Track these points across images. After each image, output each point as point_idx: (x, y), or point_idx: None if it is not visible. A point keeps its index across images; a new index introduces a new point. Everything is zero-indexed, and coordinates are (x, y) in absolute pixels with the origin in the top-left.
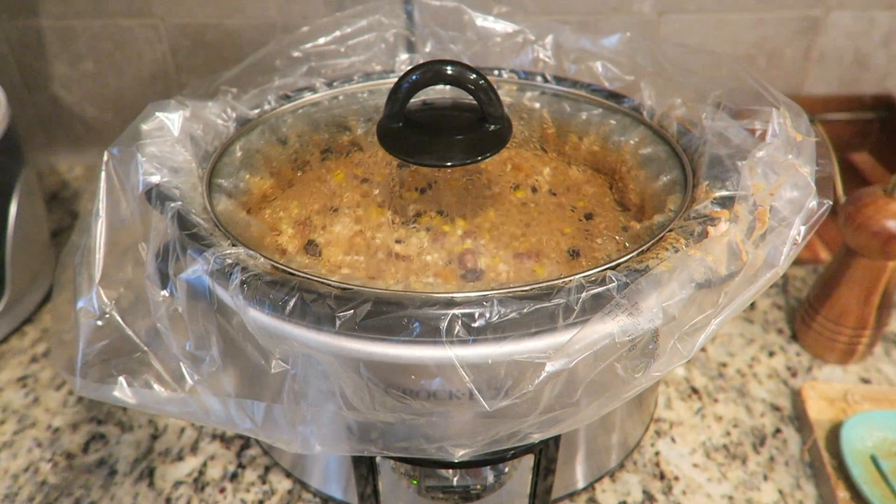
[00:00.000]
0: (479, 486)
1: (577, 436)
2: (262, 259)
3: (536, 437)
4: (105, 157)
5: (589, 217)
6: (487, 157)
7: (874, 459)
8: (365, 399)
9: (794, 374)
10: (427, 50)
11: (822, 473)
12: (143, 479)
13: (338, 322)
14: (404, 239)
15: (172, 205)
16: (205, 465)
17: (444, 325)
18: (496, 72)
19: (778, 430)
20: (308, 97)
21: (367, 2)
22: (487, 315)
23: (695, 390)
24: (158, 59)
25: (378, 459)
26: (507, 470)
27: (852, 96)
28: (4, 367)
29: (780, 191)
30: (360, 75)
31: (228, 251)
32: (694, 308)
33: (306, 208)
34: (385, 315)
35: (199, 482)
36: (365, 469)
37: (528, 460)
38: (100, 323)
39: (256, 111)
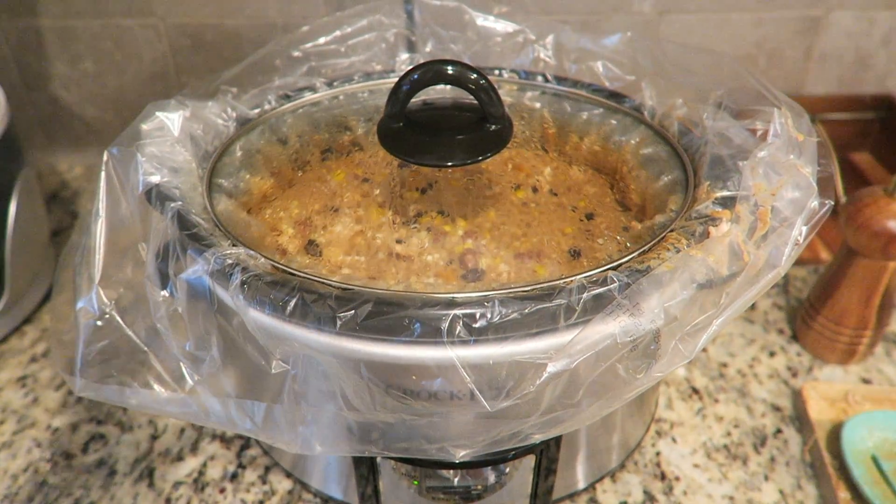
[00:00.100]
0: (479, 487)
1: (578, 436)
2: (263, 259)
3: (537, 438)
4: (105, 157)
5: (590, 217)
6: (488, 157)
7: (875, 460)
8: (366, 399)
9: (794, 375)
10: (427, 50)
11: (823, 474)
12: (143, 479)
13: (338, 322)
14: (405, 239)
15: (172, 205)
16: (205, 465)
17: (445, 325)
18: (497, 71)
19: (779, 431)
20: (308, 97)
21: (367, 1)
22: (489, 315)
23: (695, 390)
24: (158, 58)
25: (379, 460)
26: (508, 470)
27: (852, 96)
28: (4, 367)
29: (781, 191)
30: (360, 75)
31: (229, 251)
32: (695, 308)
33: (307, 208)
34: (386, 315)
35: (199, 482)
36: (366, 469)
37: (530, 461)
38: (100, 323)
39: (256, 111)
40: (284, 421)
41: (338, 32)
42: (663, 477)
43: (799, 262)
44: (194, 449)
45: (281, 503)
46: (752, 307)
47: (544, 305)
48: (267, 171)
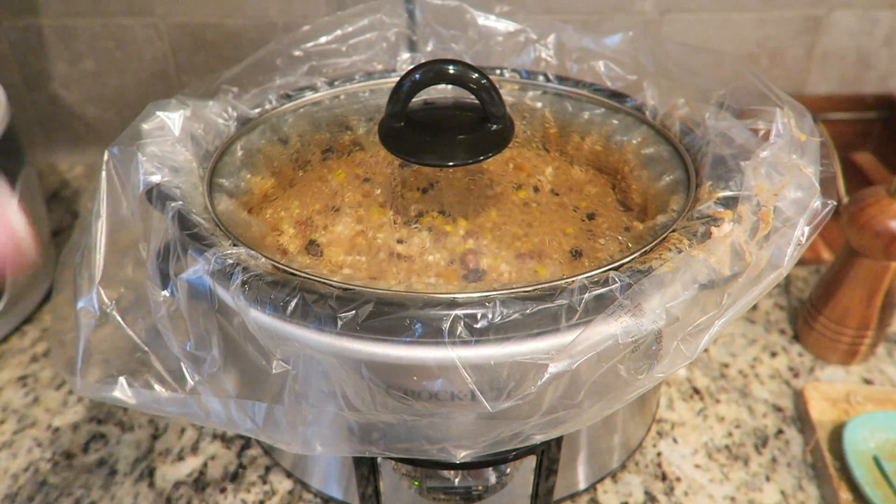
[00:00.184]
0: (480, 487)
1: (579, 437)
2: (264, 259)
3: (539, 439)
4: (105, 157)
5: (591, 217)
6: (489, 157)
7: (877, 461)
8: (366, 400)
9: (796, 375)
10: (429, 49)
11: (825, 475)
12: (144, 479)
13: (339, 323)
14: (406, 239)
15: (173, 204)
16: (205, 465)
17: (446, 325)
18: (498, 71)
19: (780, 431)
20: (309, 96)
21: (368, 1)
22: (490, 316)
23: (697, 391)
24: (159, 58)
25: (379, 460)
26: (508, 471)
27: (854, 96)
28: (4, 367)
29: (783, 191)
30: (361, 74)
31: (229, 251)
32: (697, 309)
33: (307, 208)
34: (387, 316)
35: (199, 482)
36: (366, 470)
37: (531, 461)
38: (100, 323)
39: (257, 110)
40: (285, 421)
41: (339, 32)
42: (664, 477)
43: (800, 263)
44: (195, 449)
45: (281, 503)
46: (754, 307)
47: (546, 306)
48: (268, 171)
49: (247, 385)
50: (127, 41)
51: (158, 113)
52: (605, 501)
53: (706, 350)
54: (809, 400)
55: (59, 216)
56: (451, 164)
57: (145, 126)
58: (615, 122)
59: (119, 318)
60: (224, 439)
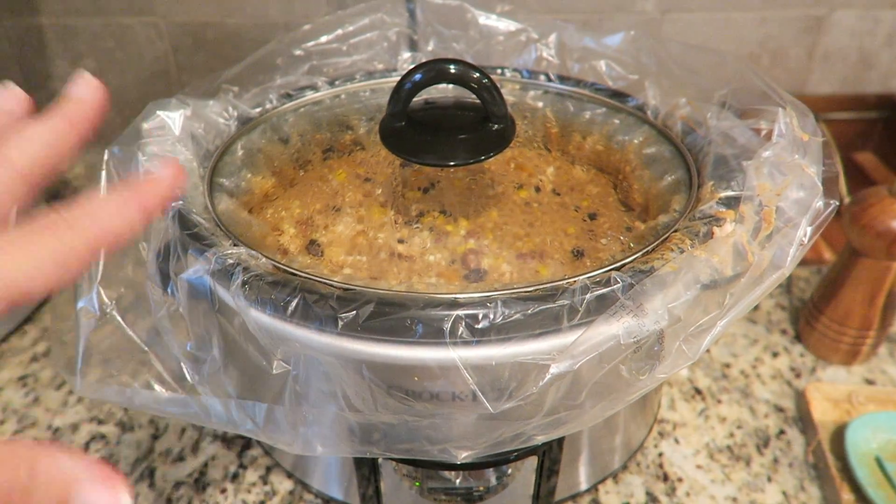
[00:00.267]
0: (481, 488)
1: (581, 437)
2: (264, 259)
3: (540, 439)
4: (105, 156)
5: (593, 217)
6: (491, 157)
7: (879, 461)
8: (367, 400)
9: (797, 375)
10: (429, 48)
11: (827, 475)
12: (144, 479)
13: (340, 323)
14: (407, 239)
15: (173, 204)
16: (206, 465)
17: (447, 326)
18: (499, 70)
19: (782, 432)
20: (310, 96)
21: (369, 0)
22: (491, 316)
23: (698, 391)
24: (159, 57)
25: (380, 461)
26: (510, 472)
27: (856, 96)
28: (4, 367)
29: (786, 191)
30: (362, 74)
31: (230, 251)
32: (699, 309)
33: (308, 208)
34: (388, 316)
35: (199, 483)
36: (367, 470)
37: (532, 462)
38: (100, 323)
39: (258, 110)
40: (285, 422)
41: (339, 31)
42: (666, 478)
43: (802, 263)
44: (195, 449)
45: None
46: (755, 307)
47: (547, 306)
48: (268, 171)
49: (247, 385)
50: (127, 40)
51: (159, 112)
52: (607, 502)
53: (708, 350)
54: (811, 400)
55: None
56: (452, 163)
57: (146, 125)
58: (616, 121)
59: (119, 318)
60: (224, 440)
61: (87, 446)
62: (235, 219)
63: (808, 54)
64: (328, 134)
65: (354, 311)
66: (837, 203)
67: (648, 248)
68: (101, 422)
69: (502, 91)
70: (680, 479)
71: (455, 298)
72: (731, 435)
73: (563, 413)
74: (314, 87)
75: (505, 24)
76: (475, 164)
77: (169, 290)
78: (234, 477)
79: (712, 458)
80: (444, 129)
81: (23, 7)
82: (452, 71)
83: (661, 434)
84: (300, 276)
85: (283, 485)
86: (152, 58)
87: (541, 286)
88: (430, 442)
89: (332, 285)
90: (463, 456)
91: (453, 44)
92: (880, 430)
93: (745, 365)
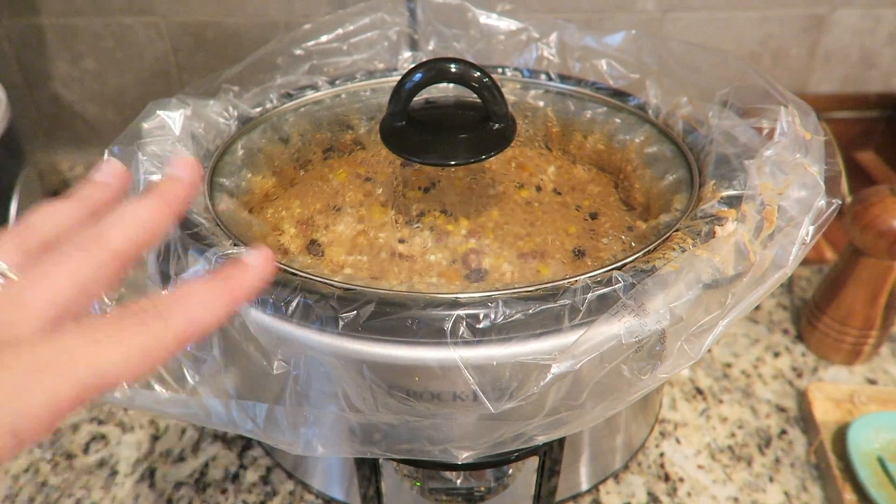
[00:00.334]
0: (482, 489)
1: (582, 437)
2: None
3: (541, 439)
4: (106, 156)
5: (594, 216)
6: (491, 156)
7: (881, 461)
8: (368, 401)
9: (799, 375)
10: (430, 48)
11: (829, 475)
12: (145, 479)
13: (341, 323)
14: (408, 238)
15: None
16: (206, 465)
17: (448, 326)
18: (500, 70)
19: (783, 432)
20: (310, 95)
21: None
22: (492, 316)
23: (699, 391)
24: (160, 57)
25: (381, 461)
26: (511, 472)
27: (857, 95)
28: None
29: (788, 190)
30: (362, 73)
31: (230, 251)
32: (701, 309)
33: (308, 207)
34: (388, 316)
35: (200, 483)
36: (368, 471)
37: (533, 462)
38: None
39: (258, 110)
40: (286, 422)
41: (340, 31)
42: (667, 478)
43: (804, 262)
44: (196, 449)
45: None
46: (757, 307)
47: (548, 306)
48: (268, 171)
49: (248, 386)
50: (128, 40)
51: (159, 112)
52: (608, 502)
53: (709, 350)
54: (813, 400)
55: None
56: (452, 163)
57: (146, 125)
58: (618, 120)
59: None
60: (225, 440)
61: (87, 446)
62: (236, 219)
63: (809, 53)
64: (329, 133)
65: (355, 311)
66: (840, 202)
67: (650, 247)
68: (101, 422)
69: (503, 90)
70: (681, 480)
71: (456, 298)
72: (733, 435)
73: (564, 413)
74: (314, 87)
75: (506, 24)
76: (476, 164)
77: (170, 290)
78: (235, 477)
79: (714, 458)
80: (445, 128)
81: (23, 7)
82: (453, 70)
83: (663, 434)
84: (301, 276)
85: (284, 485)
86: (152, 57)
87: (542, 286)
88: (431, 442)
89: (332, 285)
90: (464, 456)
91: (454, 43)
92: (882, 430)
93: (747, 365)
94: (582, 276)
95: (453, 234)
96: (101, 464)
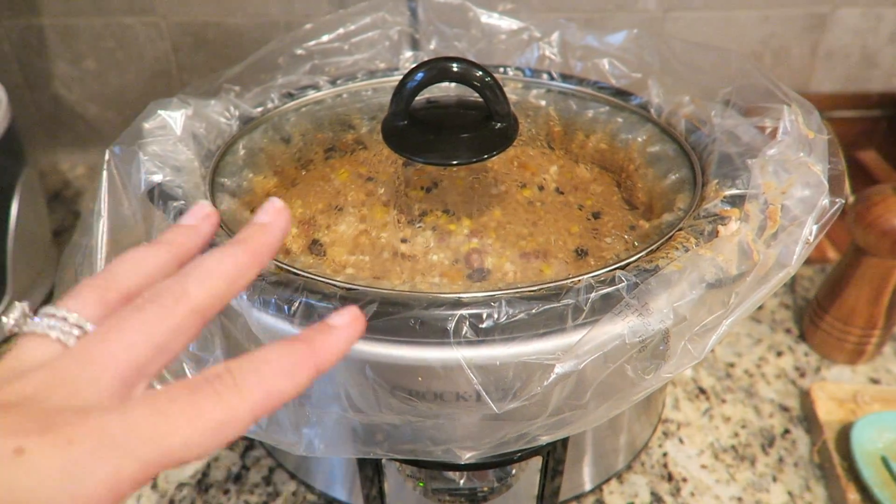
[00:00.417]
0: (485, 489)
1: (585, 437)
2: None
3: (544, 439)
4: (107, 156)
5: (597, 216)
6: (493, 156)
7: (885, 461)
8: (370, 401)
9: (802, 375)
10: (431, 47)
11: (832, 475)
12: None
13: None
14: (410, 238)
15: (175, 204)
16: (208, 466)
17: (451, 325)
18: (502, 69)
19: (787, 431)
20: (311, 95)
21: None
22: (495, 316)
23: (702, 391)
24: (160, 57)
25: (384, 461)
26: (514, 472)
27: (859, 94)
28: None
29: (791, 189)
30: (363, 73)
31: None
32: (704, 308)
33: (310, 207)
34: (391, 316)
35: (202, 483)
36: (370, 471)
37: (536, 462)
38: None
39: (259, 109)
40: (288, 422)
41: (341, 30)
42: (670, 478)
43: (806, 262)
44: None
45: None
46: (760, 307)
47: (552, 305)
48: (270, 170)
49: None
50: (128, 40)
51: (160, 112)
52: (611, 502)
53: (712, 349)
54: (816, 400)
55: (61, 216)
56: (454, 162)
57: (147, 125)
58: (620, 120)
59: None
60: None
61: None
62: (237, 219)
63: (810, 52)
64: (330, 133)
65: None
66: (843, 201)
67: (653, 246)
68: None
69: (505, 90)
70: (684, 479)
71: (459, 298)
72: (736, 435)
73: (567, 413)
74: (316, 87)
75: (507, 23)
76: (478, 163)
77: None
78: (237, 478)
79: (717, 457)
80: (447, 127)
81: (23, 7)
82: (455, 69)
83: (666, 434)
84: (303, 276)
85: (287, 486)
86: (153, 57)
87: (545, 285)
88: (433, 442)
89: (334, 285)
90: (467, 456)
91: (455, 42)
92: (886, 430)
93: (750, 364)
94: (585, 276)
95: (455, 233)
96: None
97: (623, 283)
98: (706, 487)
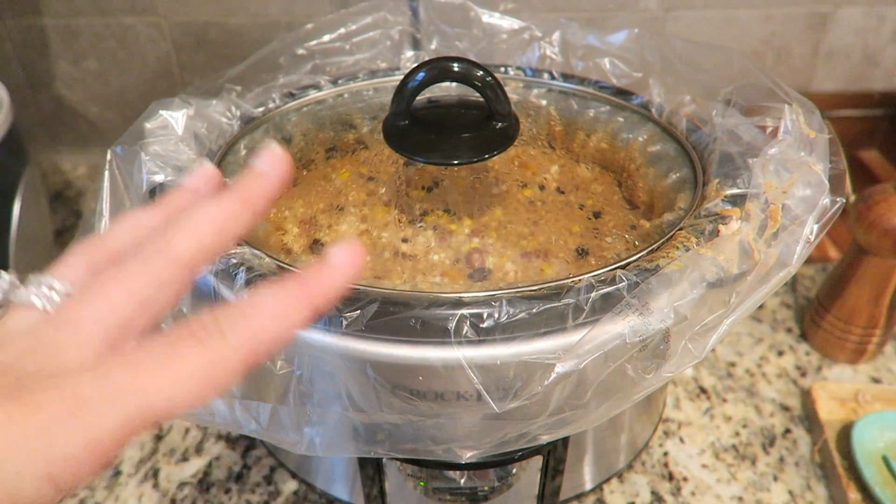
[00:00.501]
0: (486, 488)
1: (586, 437)
2: (267, 259)
3: (545, 439)
4: (108, 156)
5: (597, 215)
6: (494, 155)
7: (886, 460)
8: (371, 400)
9: (803, 374)
10: (432, 47)
11: (833, 474)
12: (148, 479)
13: (344, 322)
14: (411, 238)
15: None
16: (210, 465)
17: (452, 325)
18: (503, 69)
19: (788, 431)
20: (313, 95)
21: None
22: (496, 315)
23: (703, 390)
24: (162, 57)
25: (384, 461)
26: (514, 471)
27: (861, 93)
28: None
29: (792, 188)
30: (365, 73)
31: (233, 251)
32: (705, 308)
33: (311, 207)
34: (392, 315)
35: (204, 483)
36: (371, 470)
37: (537, 461)
38: None
39: (261, 109)
40: (290, 422)
41: (342, 30)
42: (671, 477)
43: (807, 261)
44: (199, 449)
45: None
46: (760, 306)
47: (552, 305)
48: None
49: (251, 385)
50: (129, 40)
51: (161, 112)
52: (612, 501)
53: (713, 349)
54: (817, 399)
55: (63, 216)
56: (455, 162)
57: (148, 125)
58: (621, 119)
59: None
60: (228, 440)
61: None
62: None
63: (812, 52)
64: (331, 133)
65: (358, 311)
66: (844, 200)
67: (654, 246)
68: None
69: (506, 89)
70: (685, 479)
71: (459, 297)
72: (737, 434)
73: (568, 412)
74: (317, 87)
75: (508, 23)
76: (479, 163)
77: None
78: (239, 477)
79: (718, 457)
80: (448, 127)
81: (25, 7)
82: (456, 69)
83: (667, 433)
84: None
85: (288, 485)
86: (154, 58)
87: (545, 285)
88: (434, 442)
89: None
90: (468, 456)
91: (456, 42)
92: (887, 429)
93: (751, 364)
94: (586, 276)
95: (456, 233)
96: None
97: (624, 283)
98: (707, 487)
